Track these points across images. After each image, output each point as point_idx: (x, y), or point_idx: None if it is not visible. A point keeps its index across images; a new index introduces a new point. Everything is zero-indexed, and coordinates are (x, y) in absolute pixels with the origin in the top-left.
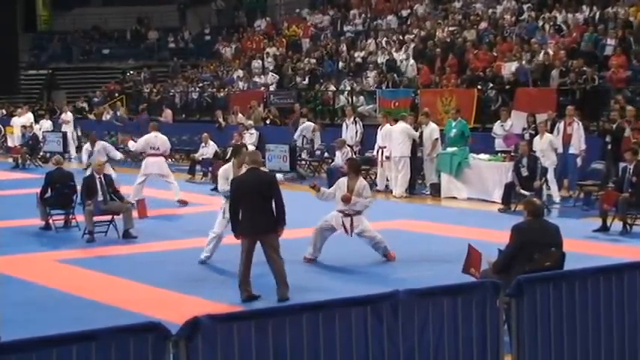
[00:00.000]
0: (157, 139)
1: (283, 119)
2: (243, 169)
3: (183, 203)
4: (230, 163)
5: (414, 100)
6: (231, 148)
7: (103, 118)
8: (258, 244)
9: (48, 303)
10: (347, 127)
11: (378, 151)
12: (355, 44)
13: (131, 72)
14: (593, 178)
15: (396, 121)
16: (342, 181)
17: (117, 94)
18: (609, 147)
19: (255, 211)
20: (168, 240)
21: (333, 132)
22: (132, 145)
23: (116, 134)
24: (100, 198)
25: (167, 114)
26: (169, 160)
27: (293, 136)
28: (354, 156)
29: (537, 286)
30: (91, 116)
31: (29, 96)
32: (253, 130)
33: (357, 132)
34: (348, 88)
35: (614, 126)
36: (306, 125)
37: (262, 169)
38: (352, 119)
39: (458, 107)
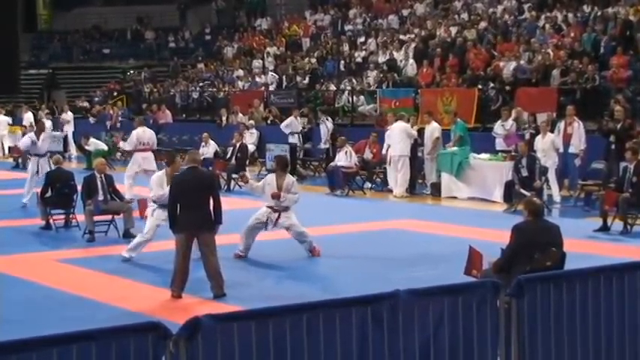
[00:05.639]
0: (144, 133)
1: (284, 119)
2: None
3: None
4: (163, 171)
5: (415, 100)
6: (231, 148)
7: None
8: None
9: (48, 303)
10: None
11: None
12: (355, 44)
13: (131, 72)
14: (593, 178)
15: (396, 119)
16: (271, 178)
17: (117, 94)
18: (613, 147)
19: (194, 209)
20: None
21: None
22: (123, 144)
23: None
24: (101, 197)
25: (166, 114)
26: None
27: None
28: (352, 156)
29: (538, 286)
30: (91, 118)
31: (29, 96)
32: (254, 130)
33: (327, 131)
34: (349, 87)
35: (619, 126)
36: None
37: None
38: (322, 119)
39: (455, 110)
